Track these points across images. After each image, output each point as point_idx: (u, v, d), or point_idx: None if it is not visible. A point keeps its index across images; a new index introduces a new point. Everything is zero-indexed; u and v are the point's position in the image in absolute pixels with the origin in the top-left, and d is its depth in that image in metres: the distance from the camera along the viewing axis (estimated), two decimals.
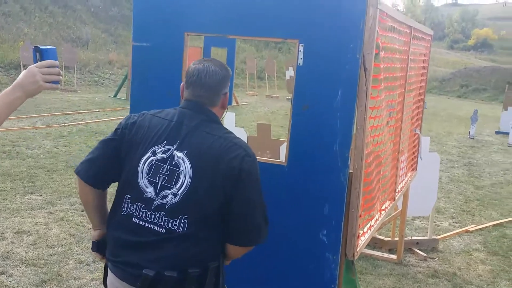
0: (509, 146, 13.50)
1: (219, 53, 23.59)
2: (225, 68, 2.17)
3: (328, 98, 2.73)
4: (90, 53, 22.68)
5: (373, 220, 3.33)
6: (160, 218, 1.97)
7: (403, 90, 3.79)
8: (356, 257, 2.90)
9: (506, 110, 15.97)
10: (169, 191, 1.97)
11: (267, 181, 2.86)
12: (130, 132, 2.10)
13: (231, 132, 2.11)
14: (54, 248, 4.79)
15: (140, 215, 2.00)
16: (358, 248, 2.93)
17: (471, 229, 6.36)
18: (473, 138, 14.38)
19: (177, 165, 1.98)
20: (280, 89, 23.86)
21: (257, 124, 5.85)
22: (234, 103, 17.66)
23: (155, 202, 1.98)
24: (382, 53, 2.92)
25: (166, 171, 1.98)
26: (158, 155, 2.01)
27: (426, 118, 16.22)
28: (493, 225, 6.61)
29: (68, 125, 11.15)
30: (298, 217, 2.87)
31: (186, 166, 1.97)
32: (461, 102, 27.53)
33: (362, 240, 3.06)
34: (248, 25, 2.84)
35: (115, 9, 27.83)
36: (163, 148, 2.01)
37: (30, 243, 4.86)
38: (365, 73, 2.68)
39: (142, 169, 2.02)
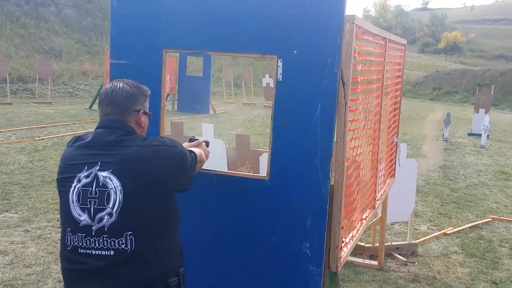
0: (481, 147, 13.79)
1: (194, 62, 23.63)
2: (137, 87, 2.19)
3: (307, 113, 2.77)
4: (63, 64, 22.41)
5: (355, 230, 3.38)
6: (105, 242, 1.98)
7: (380, 100, 3.86)
8: (339, 269, 2.94)
9: (477, 112, 16.32)
10: (104, 213, 1.98)
11: (249, 195, 2.91)
12: (60, 170, 2.14)
13: (147, 138, 2.13)
14: (32, 267, 4.71)
15: (84, 244, 2.00)
16: (341, 259, 2.97)
17: (448, 232, 6.47)
18: (447, 141, 14.65)
19: (105, 185, 1.99)
20: (257, 96, 23.92)
21: (236, 136, 5.86)
22: (211, 112, 17.65)
23: (93, 227, 1.99)
24: (359, 67, 2.97)
25: (95, 194, 1.99)
26: (83, 181, 2.02)
27: (401, 123, 16.54)
28: (470, 227, 6.74)
29: (43, 139, 10.98)
30: (281, 231, 2.89)
31: (114, 183, 1.98)
32: (434, 105, 28.02)
33: (345, 251, 3.09)
34: (226, 41, 2.87)
35: (88, 19, 27.56)
36: (86, 173, 2.02)
37: (6, 263, 4.76)
38: (343, 87, 2.73)
39: (72, 200, 2.03)
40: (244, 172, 5.28)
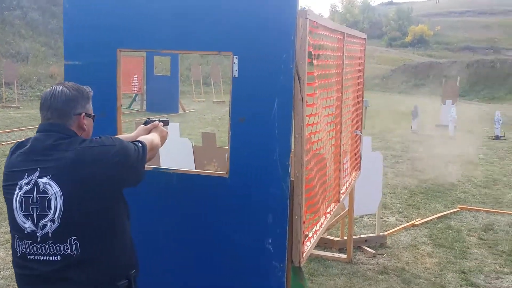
0: (449, 138, 14.03)
1: (163, 61, 23.42)
2: (77, 89, 2.15)
3: (265, 109, 2.76)
4: (30, 67, 21.98)
5: (318, 224, 3.39)
6: (51, 247, 1.97)
7: (340, 94, 3.88)
8: (302, 263, 2.94)
9: (444, 103, 16.61)
10: (46, 219, 1.96)
11: (210, 193, 2.89)
12: (4, 177, 2.11)
13: (85, 140, 2.09)
14: (0, 272, 4.61)
15: (32, 251, 1.99)
16: (304, 253, 2.97)
17: (417, 223, 6.56)
18: (416, 133, 14.87)
19: (45, 191, 1.97)
20: (226, 94, 23.84)
21: (202, 134, 5.82)
22: (181, 111, 17.54)
23: (38, 234, 1.97)
24: (315, 61, 2.98)
25: (37, 201, 1.97)
26: (24, 188, 2.00)
27: (370, 116, 16.74)
28: (438, 217, 6.84)
29: (11, 143, 10.72)
30: (242, 228, 2.88)
31: (54, 189, 1.96)
32: (403, 98, 28.39)
33: (308, 245, 3.10)
34: (181, 39, 2.84)
35: (54, 21, 27.04)
36: (26, 180, 2.00)
37: None
38: (299, 82, 2.72)
39: (16, 207, 2.01)
40: (211, 170, 5.26)
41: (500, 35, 59.97)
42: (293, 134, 2.79)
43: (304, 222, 2.92)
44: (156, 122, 2.62)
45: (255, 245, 2.88)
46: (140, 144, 2.22)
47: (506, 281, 4.82)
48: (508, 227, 6.44)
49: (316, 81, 3.04)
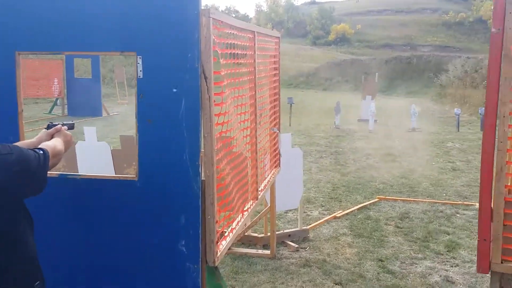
0: (370, 132, 14.59)
1: (84, 64, 22.67)
2: None
3: (172, 109, 2.73)
4: None
5: (235, 223, 3.40)
6: None
7: (253, 93, 3.91)
8: (217, 263, 2.94)
9: (364, 99, 17.24)
10: None
11: (119, 198, 2.82)
12: None
13: None
14: None
15: None
16: (219, 253, 2.97)
17: (338, 215, 6.76)
18: (339, 128, 15.33)
19: None
20: None
21: (120, 137, 5.68)
22: (104, 114, 17.06)
23: None
24: (222, 60, 2.98)
25: None
26: None
27: (295, 113, 17.07)
28: (358, 209, 7.09)
29: None
30: (155, 231, 2.84)
31: None
32: (327, 95, 29.18)
33: (224, 244, 3.10)
34: (83, 40, 2.75)
35: None
36: None
37: None
38: (206, 81, 2.72)
39: None
40: (132, 173, 5.14)
41: (416, 32, 62.98)
42: (202, 134, 2.78)
43: (217, 222, 2.92)
44: (59, 126, 2.49)
45: (169, 247, 2.84)
46: (41, 152, 2.09)
47: (420, 266, 5.07)
48: (422, 214, 6.79)
49: (225, 80, 3.04)
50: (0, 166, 1.89)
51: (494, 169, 2.79)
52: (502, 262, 3.01)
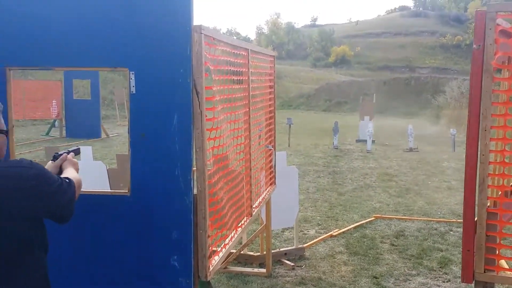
0: (367, 152, 14.62)
1: (84, 85, 22.81)
2: None
3: (164, 124, 2.77)
4: None
5: (228, 239, 3.41)
6: None
7: (247, 109, 3.95)
8: (209, 277, 2.94)
9: (362, 119, 17.31)
10: None
11: (111, 213, 2.83)
12: None
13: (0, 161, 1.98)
14: None
15: None
16: (211, 268, 2.98)
17: (334, 234, 6.74)
18: (337, 148, 15.36)
19: None
20: None
21: (116, 156, 5.71)
22: (103, 135, 17.09)
23: None
24: (214, 76, 3.03)
25: None
26: None
27: (294, 133, 17.13)
28: (354, 227, 7.08)
29: None
30: (147, 246, 2.85)
31: None
32: (326, 116, 29.33)
33: (216, 260, 3.11)
34: (75, 56, 2.80)
35: None
36: None
37: None
38: (197, 96, 2.76)
39: None
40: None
41: (414, 54, 63.52)
42: (194, 148, 2.81)
43: (209, 237, 2.93)
44: (65, 155, 2.41)
45: (161, 263, 2.85)
46: (67, 180, 2.07)
47: (413, 283, 5.06)
48: (417, 232, 6.79)
49: (217, 96, 3.09)
50: (17, 176, 1.90)
51: (477, 182, 2.83)
52: (485, 272, 3.06)
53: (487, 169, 2.85)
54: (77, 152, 2.52)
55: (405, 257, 5.80)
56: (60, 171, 2.34)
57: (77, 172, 2.38)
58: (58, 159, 2.38)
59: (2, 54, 2.81)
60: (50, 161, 2.42)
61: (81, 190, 2.96)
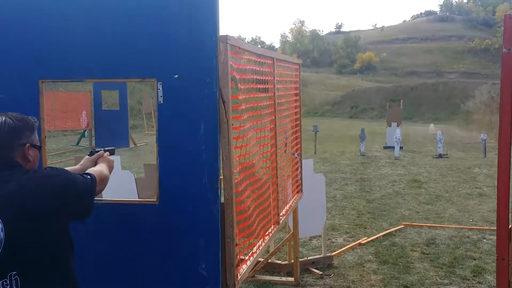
0: (395, 159, 14.45)
1: (112, 96, 23.21)
2: (22, 120, 2.09)
3: (191, 133, 2.79)
4: None
5: (255, 247, 3.40)
6: None
7: (273, 117, 3.96)
8: (238, 286, 2.94)
9: (390, 126, 17.14)
10: None
11: (140, 221, 2.86)
12: None
13: (29, 171, 2.03)
14: None
15: None
16: (239, 276, 2.97)
17: (363, 242, 6.67)
18: (364, 155, 15.23)
19: None
20: None
21: (144, 165, 5.78)
22: (131, 145, 17.33)
23: None
24: (240, 85, 3.04)
25: None
26: None
27: (320, 141, 17.07)
28: (383, 235, 6.98)
29: None
30: (175, 255, 2.86)
31: None
32: (352, 122, 29.14)
33: (244, 268, 3.10)
34: (104, 67, 2.85)
35: None
36: None
37: None
38: (224, 105, 2.78)
39: None
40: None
41: (442, 59, 62.70)
42: (221, 157, 2.82)
43: (237, 245, 2.93)
44: (101, 152, 2.54)
45: (189, 271, 2.86)
46: (88, 176, 2.16)
47: None
48: (448, 240, 6.65)
49: (243, 104, 3.10)
50: (47, 186, 1.95)
51: (510, 188, 2.76)
52: None
53: None
54: (112, 152, 2.65)
55: (437, 265, 5.69)
56: (95, 166, 2.47)
57: (111, 170, 2.49)
58: (95, 155, 2.53)
59: (35, 67, 2.88)
60: (87, 156, 2.54)
61: (111, 199, 3.03)
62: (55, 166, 2.22)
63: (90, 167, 2.43)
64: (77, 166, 2.56)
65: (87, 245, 2.95)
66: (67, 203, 2.01)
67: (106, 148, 2.61)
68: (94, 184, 2.17)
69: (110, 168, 2.50)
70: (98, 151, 2.54)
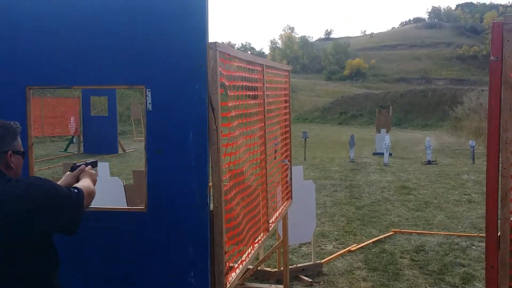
0: (385, 165, 14.49)
1: (102, 102, 23.10)
2: (2, 126, 2.06)
3: (180, 140, 2.77)
4: None
5: (245, 254, 3.38)
6: None
7: (263, 124, 3.94)
8: None
9: (379, 132, 17.22)
10: None
11: (128, 229, 2.83)
12: None
13: (11, 179, 2.00)
14: None
15: None
16: (229, 284, 2.95)
17: (353, 249, 6.66)
18: (353, 161, 15.26)
19: None
20: None
21: (132, 172, 5.74)
22: (120, 151, 17.24)
23: None
24: (229, 92, 3.03)
25: None
26: None
27: (310, 147, 17.09)
28: (373, 242, 6.98)
29: None
30: (164, 263, 2.84)
31: None
32: (342, 129, 29.26)
33: (233, 276, 3.08)
34: (91, 74, 2.83)
35: None
36: None
37: None
38: (213, 112, 2.76)
39: None
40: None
41: (430, 66, 63.25)
42: (210, 164, 2.80)
43: (226, 253, 2.91)
44: (83, 166, 2.48)
45: (178, 279, 2.83)
46: (75, 190, 2.11)
47: None
48: (437, 247, 6.67)
49: (232, 111, 3.09)
50: (30, 197, 1.92)
51: (499, 195, 2.77)
52: None
53: (510, 183, 2.79)
54: (94, 164, 2.59)
55: (426, 272, 5.69)
56: (77, 181, 2.40)
57: (94, 183, 2.43)
58: (76, 170, 2.46)
59: (22, 74, 2.85)
60: (68, 172, 2.48)
61: (100, 207, 2.99)
62: (42, 173, 2.18)
63: (73, 183, 2.36)
64: (58, 183, 2.50)
65: (74, 253, 2.92)
66: (47, 214, 1.95)
67: (87, 161, 2.56)
68: (81, 198, 2.11)
69: (94, 181, 2.44)
70: (79, 166, 2.48)
